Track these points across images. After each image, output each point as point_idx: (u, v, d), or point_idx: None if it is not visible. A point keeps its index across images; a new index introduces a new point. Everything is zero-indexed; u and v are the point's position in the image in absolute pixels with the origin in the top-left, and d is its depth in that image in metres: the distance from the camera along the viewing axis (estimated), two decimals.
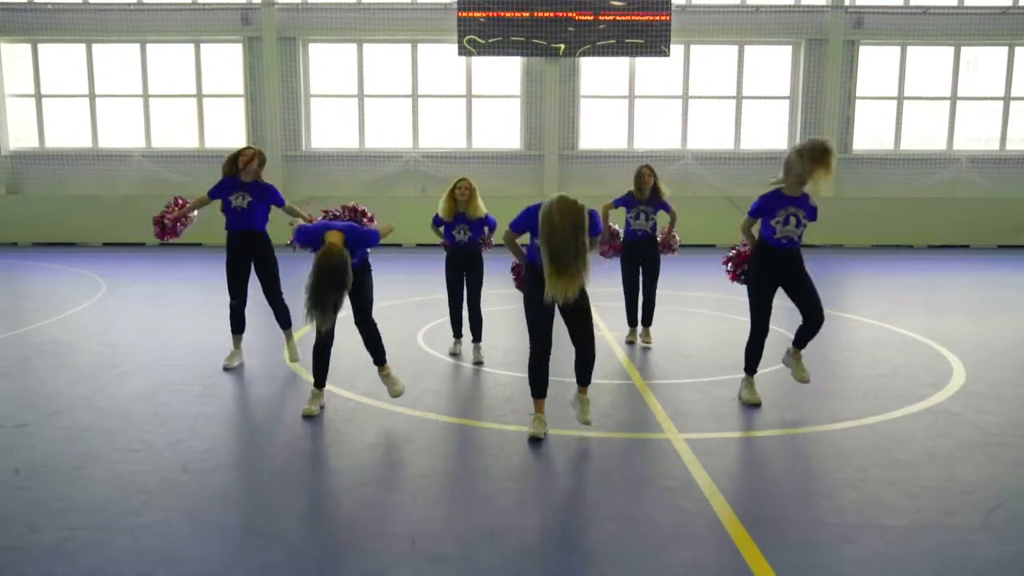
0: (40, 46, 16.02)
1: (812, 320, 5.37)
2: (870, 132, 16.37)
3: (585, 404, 4.96)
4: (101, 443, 4.72)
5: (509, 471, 4.38)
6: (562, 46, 15.18)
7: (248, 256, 6.40)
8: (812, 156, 4.95)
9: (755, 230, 5.56)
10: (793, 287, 5.37)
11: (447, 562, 3.36)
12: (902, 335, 7.80)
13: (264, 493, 4.10)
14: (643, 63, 15.84)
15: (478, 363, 6.69)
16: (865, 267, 13.06)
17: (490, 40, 15.11)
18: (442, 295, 8.21)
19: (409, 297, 9.80)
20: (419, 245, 14.96)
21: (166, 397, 5.65)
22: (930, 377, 6.25)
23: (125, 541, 3.51)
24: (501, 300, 8.79)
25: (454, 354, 6.93)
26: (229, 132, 16.21)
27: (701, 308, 9.18)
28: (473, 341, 6.89)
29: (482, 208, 6.71)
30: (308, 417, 5.16)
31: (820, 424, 5.15)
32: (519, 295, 5.47)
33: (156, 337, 7.66)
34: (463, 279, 6.89)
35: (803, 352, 5.62)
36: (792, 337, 5.63)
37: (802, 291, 5.35)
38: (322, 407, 5.32)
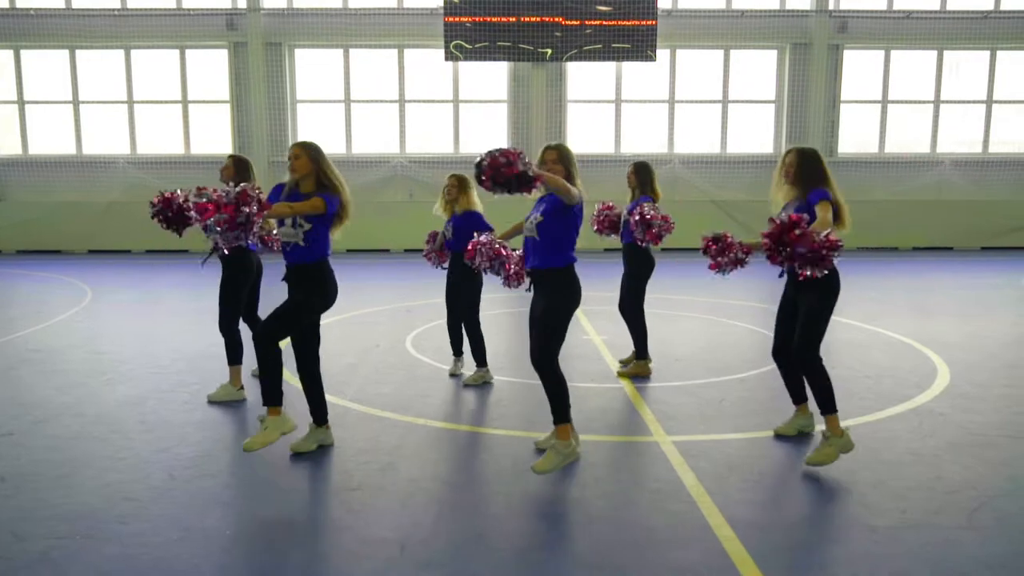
0: (23, 52, 15.92)
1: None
2: (855, 136, 16.50)
3: (548, 454, 4.31)
4: (88, 451, 4.69)
5: (498, 475, 4.39)
6: (549, 51, 15.22)
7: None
8: None
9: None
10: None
11: (437, 567, 3.36)
12: (887, 337, 7.85)
13: (252, 500, 4.09)
14: (629, 68, 15.90)
15: (456, 376, 6.33)
16: (850, 269, 13.07)
17: (477, 45, 15.13)
18: (430, 300, 8.21)
19: (397, 302, 9.80)
20: (407, 250, 14.94)
21: (153, 404, 5.62)
22: (915, 378, 6.30)
23: (113, 549, 3.49)
24: (491, 304, 8.79)
25: (453, 375, 6.38)
26: (214, 138, 16.15)
27: (690, 311, 9.20)
28: (454, 355, 6.44)
29: (474, 204, 6.09)
30: (297, 454, 4.61)
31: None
32: (511, 299, 5.22)
33: (142, 344, 7.62)
34: (457, 290, 6.18)
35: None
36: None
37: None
38: (322, 446, 4.71)
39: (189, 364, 6.73)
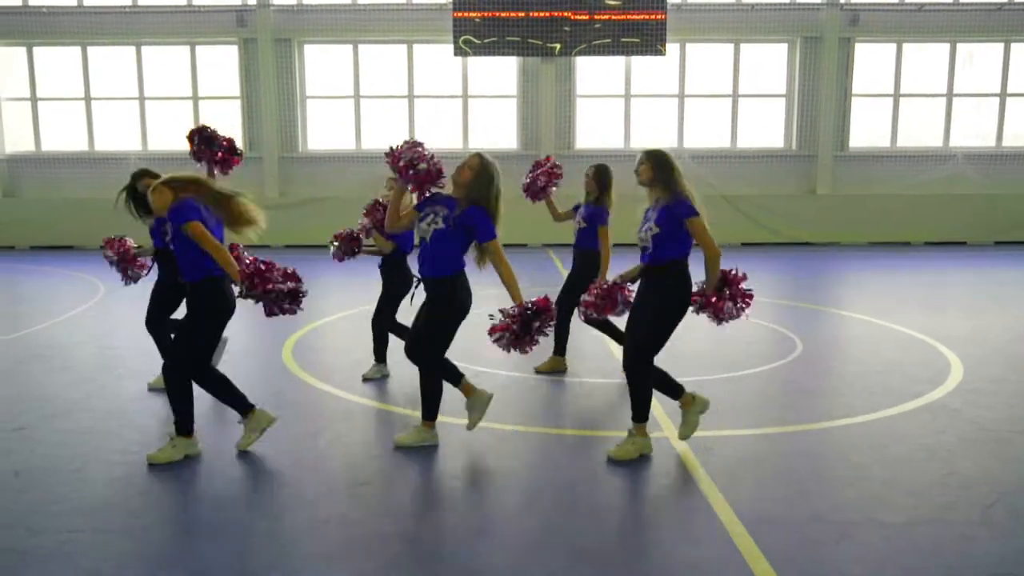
0: (35, 49, 15.98)
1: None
2: (866, 129, 16.37)
3: (413, 432, 4.56)
4: (100, 445, 4.71)
5: (505, 470, 4.39)
6: (558, 46, 15.17)
7: None
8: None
9: None
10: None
11: (444, 561, 3.36)
12: (899, 332, 7.80)
13: (261, 494, 4.10)
14: (639, 62, 15.84)
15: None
16: (862, 264, 13.06)
17: (486, 40, 15.10)
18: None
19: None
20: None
21: (164, 400, 5.63)
22: (928, 373, 6.26)
23: (125, 543, 3.51)
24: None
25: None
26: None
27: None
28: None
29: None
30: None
31: (817, 421, 5.15)
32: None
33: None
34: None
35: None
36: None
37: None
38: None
39: None
